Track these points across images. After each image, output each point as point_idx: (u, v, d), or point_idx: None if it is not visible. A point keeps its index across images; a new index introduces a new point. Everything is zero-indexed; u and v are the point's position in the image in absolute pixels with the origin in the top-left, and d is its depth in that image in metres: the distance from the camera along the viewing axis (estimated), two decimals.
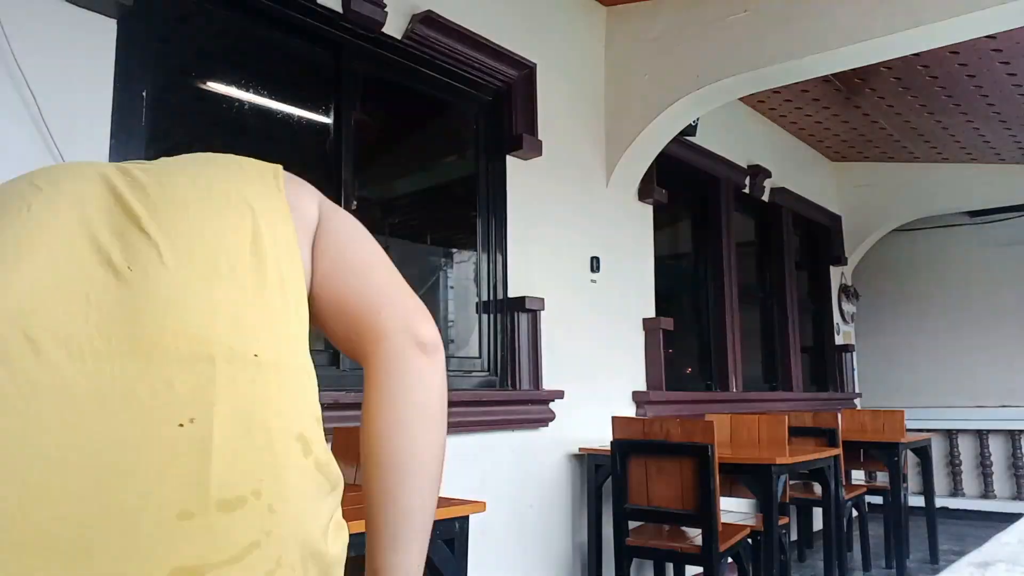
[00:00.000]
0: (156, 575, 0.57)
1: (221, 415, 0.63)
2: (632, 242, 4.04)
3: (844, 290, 6.65)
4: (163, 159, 0.82)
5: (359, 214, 2.81)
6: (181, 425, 0.61)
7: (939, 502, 5.56)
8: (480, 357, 3.26)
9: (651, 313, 4.11)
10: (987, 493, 6.42)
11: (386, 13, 2.82)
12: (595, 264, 3.72)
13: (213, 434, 0.62)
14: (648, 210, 4.19)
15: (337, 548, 0.67)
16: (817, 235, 6.47)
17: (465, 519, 1.72)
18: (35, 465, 0.57)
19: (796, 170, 5.93)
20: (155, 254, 0.67)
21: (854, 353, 6.58)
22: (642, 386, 3.99)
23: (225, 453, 0.62)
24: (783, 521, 3.31)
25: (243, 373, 0.65)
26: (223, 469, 0.61)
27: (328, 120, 2.80)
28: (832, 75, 4.36)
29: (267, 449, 0.64)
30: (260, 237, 0.73)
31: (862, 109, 5.09)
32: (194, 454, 0.61)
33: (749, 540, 3.18)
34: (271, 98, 2.67)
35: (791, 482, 3.92)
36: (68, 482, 0.57)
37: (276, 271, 0.73)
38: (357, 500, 1.81)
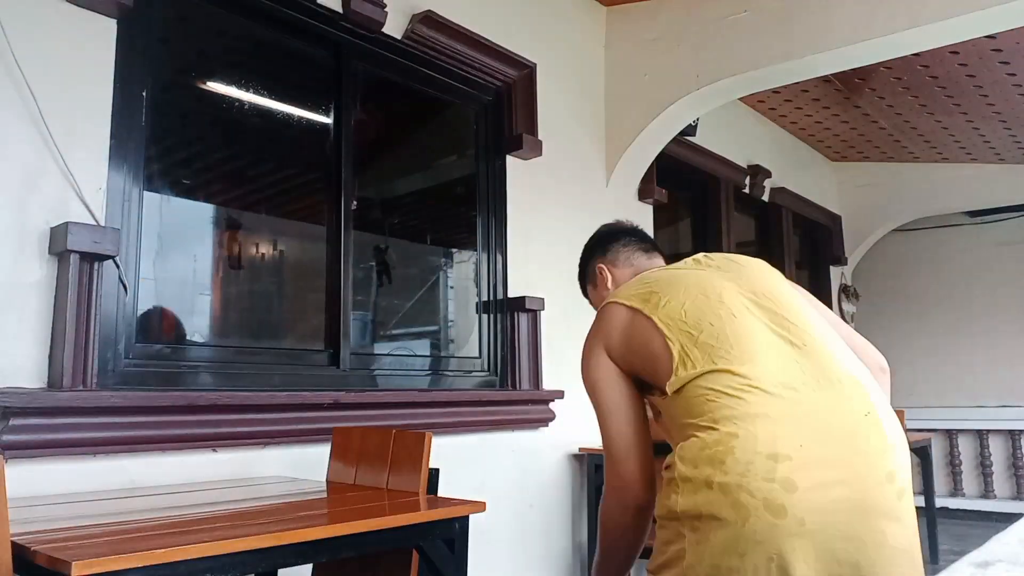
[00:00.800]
0: (879, 476, 1.21)
1: (876, 403, 1.28)
2: None
3: (844, 290, 6.64)
4: (734, 264, 1.53)
5: (359, 214, 2.82)
6: (867, 414, 1.25)
7: (939, 502, 5.55)
8: (480, 357, 3.26)
9: None
10: (987, 493, 6.41)
11: (386, 13, 2.82)
12: None
13: (881, 417, 1.27)
14: (648, 210, 4.19)
15: None
16: (817, 235, 6.47)
17: (465, 519, 1.72)
18: (807, 434, 1.21)
19: (796, 170, 5.92)
20: (801, 332, 1.36)
21: None
22: None
23: (889, 425, 1.27)
24: None
25: (867, 382, 1.31)
26: (890, 431, 1.26)
27: (328, 120, 2.80)
28: (832, 75, 4.35)
29: (887, 414, 1.30)
30: (813, 305, 1.52)
31: (862, 109, 5.09)
32: (876, 428, 1.25)
33: None
34: (271, 98, 2.67)
35: None
36: (825, 439, 1.22)
37: (823, 317, 1.49)
38: (357, 500, 1.81)
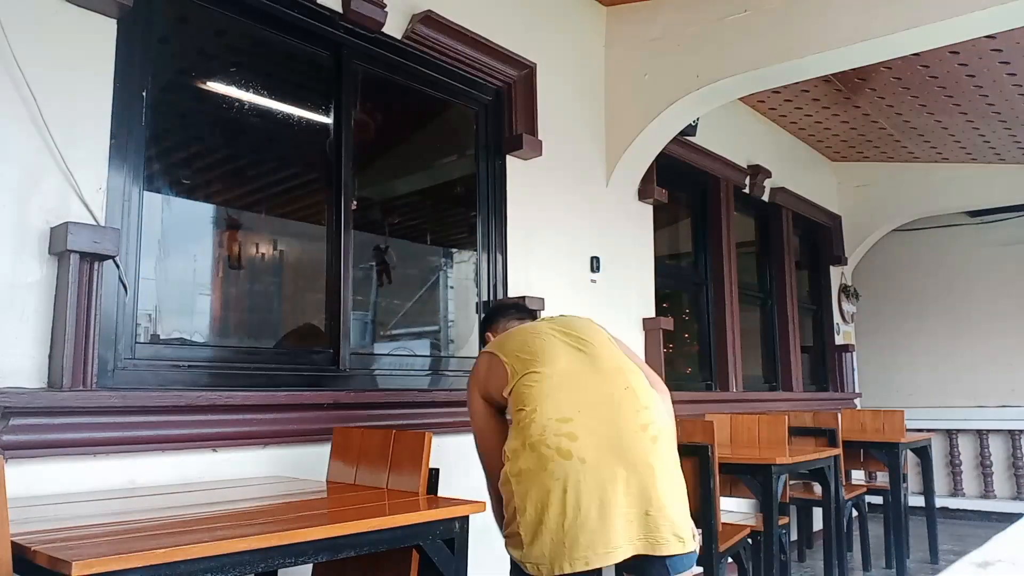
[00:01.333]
0: (634, 427, 1.86)
1: (633, 384, 1.94)
2: (632, 242, 4.04)
3: (844, 290, 6.64)
4: (563, 318, 2.16)
5: (359, 214, 2.82)
6: (625, 388, 1.92)
7: (939, 502, 5.55)
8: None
9: (651, 313, 4.11)
10: (987, 493, 6.42)
11: (386, 13, 2.82)
12: (595, 264, 3.72)
13: (637, 391, 1.93)
14: (648, 210, 4.19)
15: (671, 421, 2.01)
16: (817, 235, 6.47)
17: (465, 519, 1.72)
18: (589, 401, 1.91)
19: (796, 170, 5.93)
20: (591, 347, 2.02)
21: (854, 353, 6.57)
22: None
23: (642, 396, 1.93)
24: (783, 521, 3.31)
25: (629, 372, 1.97)
26: (642, 395, 1.93)
27: (328, 120, 2.80)
28: (832, 75, 4.35)
29: (644, 390, 1.95)
30: (611, 338, 2.09)
31: (862, 109, 5.09)
32: (632, 397, 1.90)
33: (749, 540, 3.18)
34: (271, 98, 2.67)
35: (791, 482, 3.92)
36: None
37: (616, 345, 2.08)
38: (357, 500, 1.80)
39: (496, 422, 2.04)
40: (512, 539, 1.86)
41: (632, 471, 1.79)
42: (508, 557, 1.86)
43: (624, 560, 1.78)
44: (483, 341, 2.36)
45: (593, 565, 1.75)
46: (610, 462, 1.79)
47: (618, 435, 1.81)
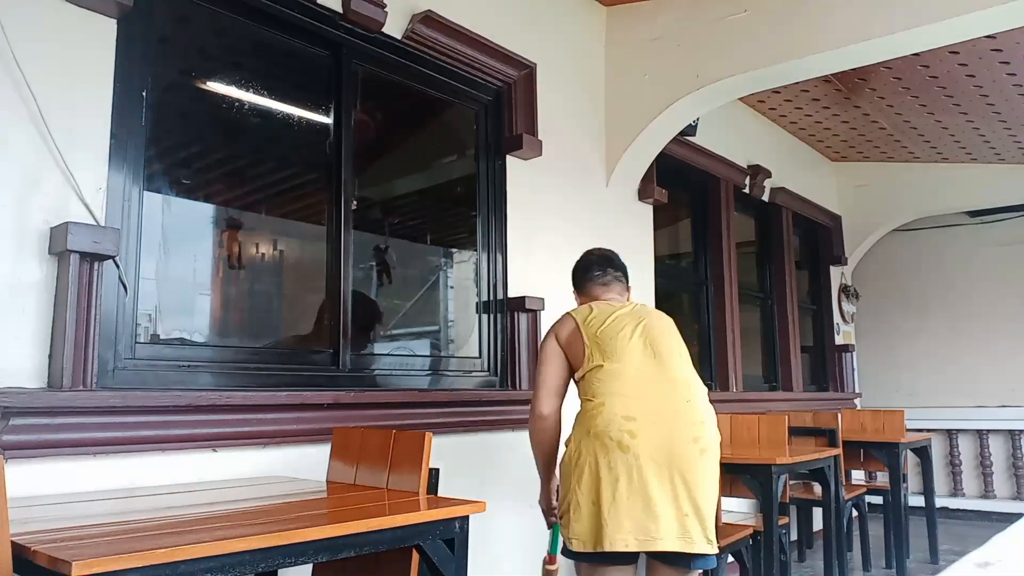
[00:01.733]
0: (687, 438, 2.10)
1: (694, 397, 2.18)
2: (632, 242, 4.04)
3: (844, 290, 6.64)
4: (644, 315, 2.34)
5: (359, 214, 2.82)
6: (687, 401, 2.16)
7: (939, 502, 5.55)
8: (480, 357, 3.26)
9: None
10: (987, 493, 6.42)
11: (386, 13, 2.82)
12: None
13: (696, 405, 2.17)
14: (648, 210, 4.19)
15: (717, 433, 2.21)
16: (817, 235, 6.47)
17: (465, 519, 1.72)
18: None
19: (796, 170, 5.92)
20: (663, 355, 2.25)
21: (854, 353, 6.57)
22: None
23: (700, 411, 2.17)
24: (783, 521, 3.31)
25: (694, 385, 2.21)
26: (700, 409, 2.17)
27: (328, 120, 2.80)
28: (832, 75, 4.35)
29: (702, 405, 2.19)
30: (680, 344, 2.36)
31: (862, 109, 5.09)
32: (692, 410, 2.15)
33: (749, 540, 3.18)
34: (271, 98, 2.67)
35: (791, 482, 3.92)
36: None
37: (683, 353, 2.31)
38: (357, 500, 1.80)
39: (563, 368, 2.28)
40: (563, 516, 2.16)
41: (680, 477, 2.04)
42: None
43: (662, 551, 2.04)
44: (575, 294, 2.58)
45: (632, 549, 2.02)
46: (661, 465, 2.04)
47: (671, 443, 2.05)
